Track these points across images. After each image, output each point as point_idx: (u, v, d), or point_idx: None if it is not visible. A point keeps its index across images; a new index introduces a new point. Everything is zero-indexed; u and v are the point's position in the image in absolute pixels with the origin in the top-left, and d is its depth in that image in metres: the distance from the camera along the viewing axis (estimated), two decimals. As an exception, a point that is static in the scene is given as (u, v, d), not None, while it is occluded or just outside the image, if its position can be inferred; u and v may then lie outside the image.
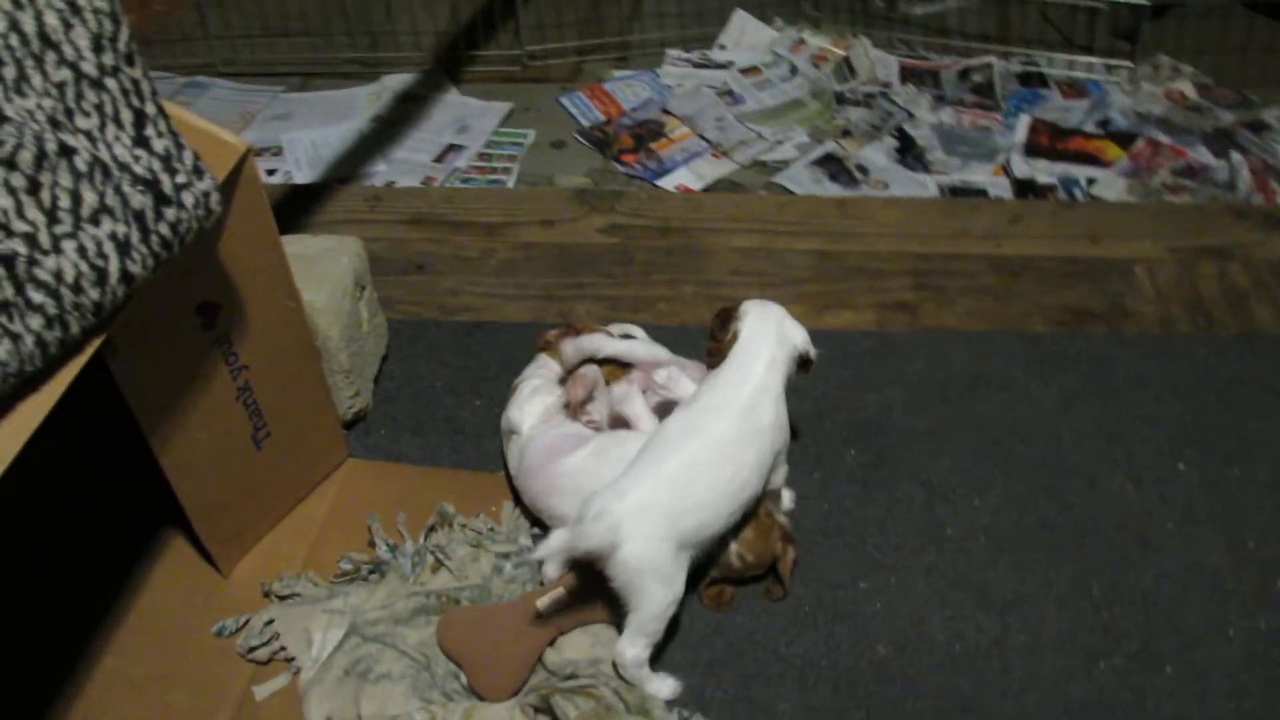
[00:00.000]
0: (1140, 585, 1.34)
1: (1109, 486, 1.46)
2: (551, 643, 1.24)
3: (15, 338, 0.80)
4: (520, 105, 2.40)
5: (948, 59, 2.63)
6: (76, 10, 0.84)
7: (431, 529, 1.37)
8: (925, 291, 1.79)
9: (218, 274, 1.15)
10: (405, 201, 2.02)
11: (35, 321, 0.82)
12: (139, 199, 0.89)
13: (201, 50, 2.54)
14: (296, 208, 1.97)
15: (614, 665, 1.20)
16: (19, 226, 0.80)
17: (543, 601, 1.24)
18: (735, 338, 1.28)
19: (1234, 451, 1.51)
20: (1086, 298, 1.78)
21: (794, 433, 1.38)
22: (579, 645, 1.25)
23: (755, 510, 1.29)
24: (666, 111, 2.40)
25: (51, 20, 0.82)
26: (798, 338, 1.29)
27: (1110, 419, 1.56)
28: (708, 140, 2.31)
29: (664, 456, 1.20)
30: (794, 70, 2.55)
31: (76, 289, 0.85)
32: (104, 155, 0.86)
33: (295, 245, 1.46)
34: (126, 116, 0.88)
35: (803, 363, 1.30)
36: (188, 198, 0.94)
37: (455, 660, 1.22)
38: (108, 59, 0.86)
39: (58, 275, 0.83)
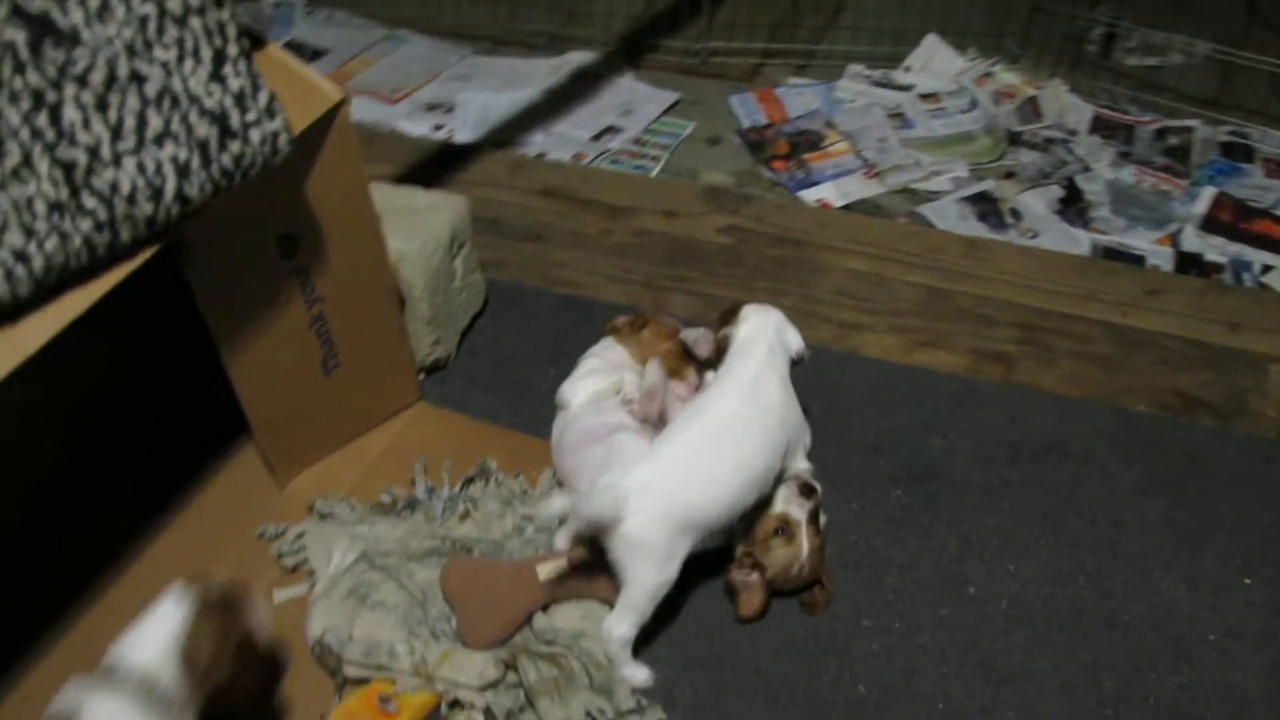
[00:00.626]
0: (1158, 692, 1.26)
1: (1159, 583, 1.38)
2: (545, 608, 1.30)
3: (64, 236, 0.92)
4: (688, 98, 2.44)
5: (1148, 116, 2.48)
6: (169, -45, 0.94)
7: (470, 480, 1.45)
8: (1029, 347, 1.73)
9: (301, 209, 1.26)
10: (544, 173, 2.10)
11: (85, 224, 0.93)
12: (205, 129, 1.00)
13: (406, 6, 2.71)
14: (443, 164, 2.09)
15: (596, 642, 1.24)
16: (83, 138, 0.92)
17: (544, 569, 1.30)
18: (729, 340, 1.34)
19: (1316, 580, 1.39)
20: (1204, 387, 1.67)
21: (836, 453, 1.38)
22: (569, 616, 1.30)
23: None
24: (830, 125, 2.38)
25: (143, -38, 0.93)
26: (794, 342, 1.38)
27: (1186, 516, 1.47)
28: (864, 159, 2.28)
29: (670, 438, 1.26)
30: (974, 103, 2.48)
31: (131, 201, 0.96)
32: (176, 86, 0.97)
33: (404, 197, 1.57)
34: (206, 54, 0.99)
35: (794, 362, 1.38)
36: (255, 135, 1.04)
37: (451, 603, 1.29)
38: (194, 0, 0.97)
39: (114, 186, 0.94)
